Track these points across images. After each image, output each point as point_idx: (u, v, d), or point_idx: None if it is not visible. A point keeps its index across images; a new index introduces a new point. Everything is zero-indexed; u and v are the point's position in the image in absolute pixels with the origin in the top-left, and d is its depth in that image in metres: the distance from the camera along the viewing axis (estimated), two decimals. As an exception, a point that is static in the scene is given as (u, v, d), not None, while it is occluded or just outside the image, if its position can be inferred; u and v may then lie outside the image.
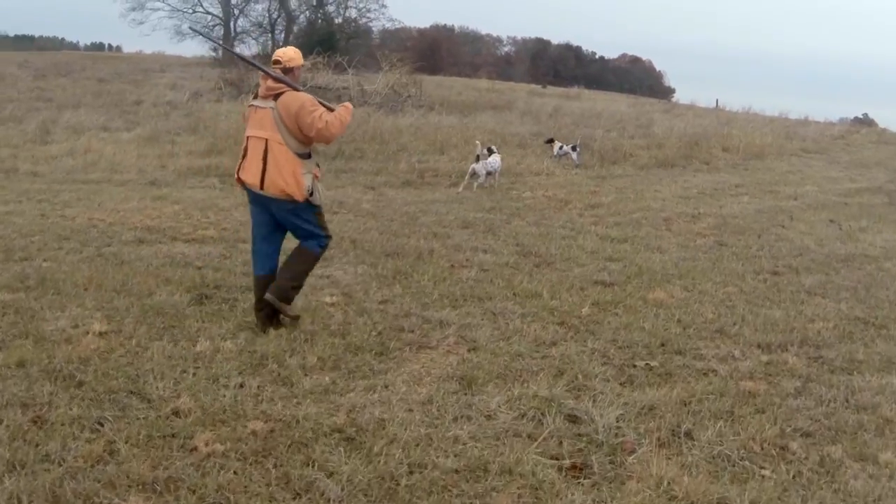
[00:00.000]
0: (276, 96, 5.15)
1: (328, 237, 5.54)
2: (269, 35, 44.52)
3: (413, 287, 6.65)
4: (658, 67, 78.52)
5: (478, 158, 11.87)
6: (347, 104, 5.41)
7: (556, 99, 33.10)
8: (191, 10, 42.48)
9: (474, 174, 11.91)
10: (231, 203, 9.88)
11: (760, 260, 8.47)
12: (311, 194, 5.26)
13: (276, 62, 5.28)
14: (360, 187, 11.81)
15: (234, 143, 14.32)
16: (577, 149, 15.74)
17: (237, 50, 35.34)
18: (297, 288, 5.53)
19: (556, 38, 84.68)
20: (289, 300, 5.43)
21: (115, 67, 34.47)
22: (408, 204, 10.56)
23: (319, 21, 45.39)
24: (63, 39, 70.11)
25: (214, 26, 42.93)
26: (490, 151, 12.43)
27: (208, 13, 42.91)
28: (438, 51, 63.16)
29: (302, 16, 45.24)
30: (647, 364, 5.18)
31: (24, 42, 67.46)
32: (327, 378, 4.64)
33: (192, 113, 17.94)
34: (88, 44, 69.86)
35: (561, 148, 15.87)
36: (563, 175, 14.21)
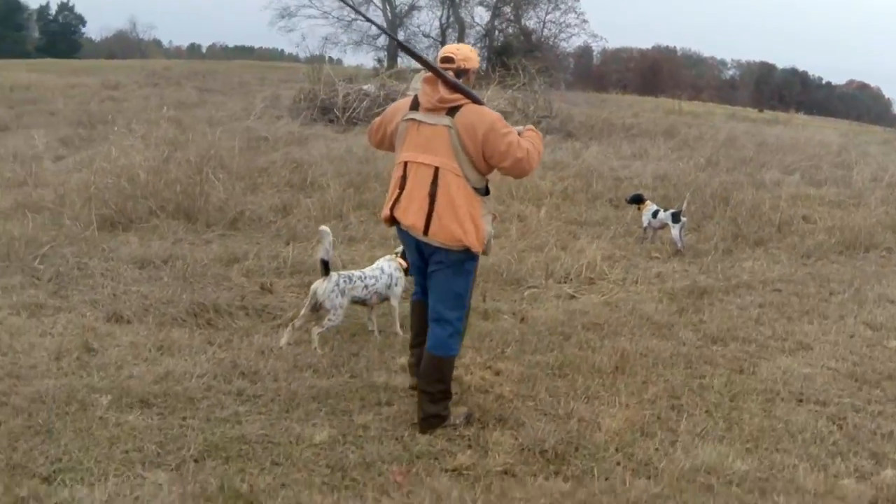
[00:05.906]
0: (452, 110, 3.52)
1: (466, 315, 3.85)
2: (438, 46, 38.87)
3: None
4: (886, 94, 70.29)
5: (326, 267, 4.76)
6: (532, 128, 3.80)
7: (752, 124, 24.32)
8: (350, 19, 37.41)
9: (318, 307, 4.81)
10: None
11: None
12: (488, 243, 3.74)
13: (448, 60, 3.65)
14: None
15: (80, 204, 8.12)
16: (682, 218, 7.97)
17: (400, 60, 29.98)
18: (447, 398, 3.73)
19: (782, 63, 76.94)
20: (445, 418, 3.70)
21: (254, 75, 30.32)
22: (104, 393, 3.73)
23: (498, 33, 39.01)
24: (283, 51, 68.83)
25: (378, 36, 37.99)
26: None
27: (368, 20, 37.72)
28: (660, 72, 59.20)
29: (497, 32, 39.05)
30: None
31: (241, 52, 67.07)
32: None
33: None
34: (308, 56, 68.61)
35: (655, 215, 8.16)
36: (625, 284, 6.56)
